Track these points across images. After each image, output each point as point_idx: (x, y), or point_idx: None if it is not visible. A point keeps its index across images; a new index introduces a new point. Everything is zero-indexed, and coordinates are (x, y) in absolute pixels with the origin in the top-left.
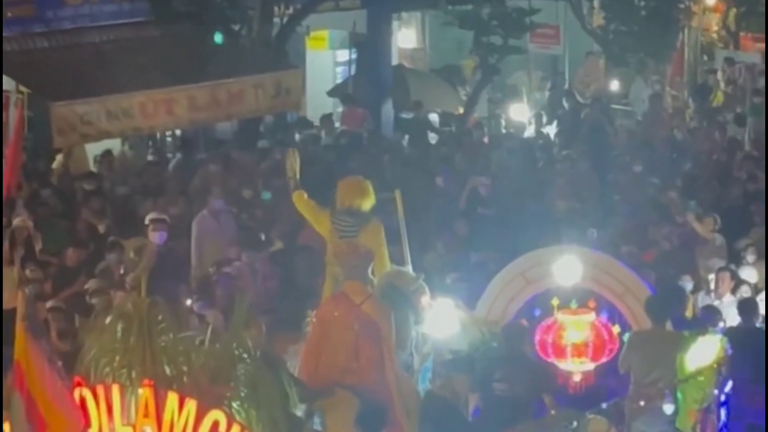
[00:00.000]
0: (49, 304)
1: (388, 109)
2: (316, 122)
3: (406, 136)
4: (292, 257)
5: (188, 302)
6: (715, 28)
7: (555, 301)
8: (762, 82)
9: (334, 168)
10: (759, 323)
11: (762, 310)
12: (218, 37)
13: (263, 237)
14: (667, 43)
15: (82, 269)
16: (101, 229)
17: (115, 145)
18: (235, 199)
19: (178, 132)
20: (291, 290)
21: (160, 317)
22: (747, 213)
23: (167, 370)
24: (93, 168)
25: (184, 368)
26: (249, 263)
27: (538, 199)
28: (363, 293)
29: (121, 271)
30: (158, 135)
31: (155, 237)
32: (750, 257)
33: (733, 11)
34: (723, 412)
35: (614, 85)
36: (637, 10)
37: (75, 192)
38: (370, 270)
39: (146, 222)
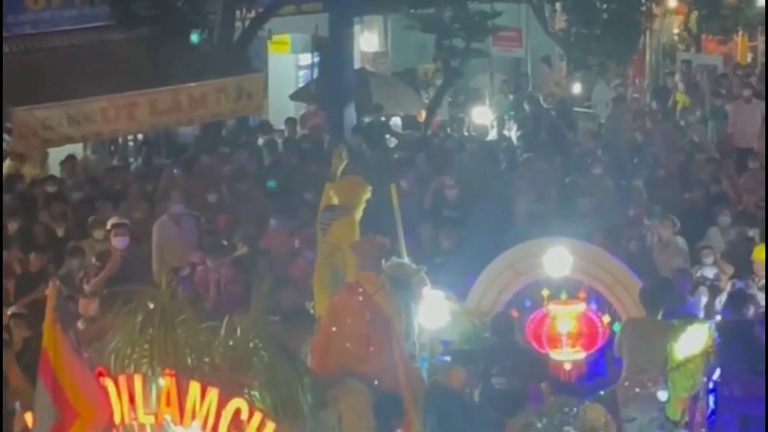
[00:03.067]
0: (10, 310)
1: (350, 112)
2: (278, 126)
3: (367, 140)
4: (255, 261)
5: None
6: (677, 30)
7: (545, 292)
8: (722, 84)
9: (296, 171)
10: (750, 315)
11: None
12: (195, 37)
13: (226, 242)
14: (629, 46)
15: (43, 275)
16: (60, 232)
17: (77, 150)
18: (198, 204)
19: (140, 136)
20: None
21: (180, 309)
22: (709, 215)
23: (189, 361)
24: (56, 172)
25: (206, 359)
26: (212, 268)
27: (501, 201)
28: (376, 284)
29: (82, 275)
30: (120, 140)
31: (117, 242)
32: (707, 259)
33: (695, 14)
34: (711, 400)
35: (576, 88)
36: (599, 14)
37: (35, 196)
38: (383, 262)
39: (108, 227)
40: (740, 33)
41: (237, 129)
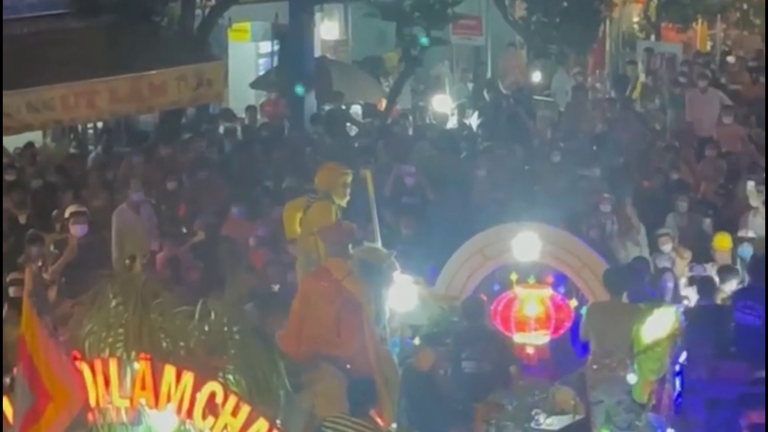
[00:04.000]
0: None
1: (310, 100)
2: (239, 114)
3: (327, 128)
4: (215, 248)
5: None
6: (636, 19)
7: (513, 276)
8: (681, 71)
9: (256, 159)
10: (718, 301)
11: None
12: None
13: (185, 229)
14: (589, 35)
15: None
16: (21, 219)
17: (36, 137)
18: (158, 192)
19: (99, 124)
20: (214, 281)
21: (156, 293)
22: (668, 202)
23: (164, 345)
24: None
25: (181, 343)
26: (171, 255)
27: (461, 189)
28: (344, 269)
29: (40, 263)
30: (80, 127)
31: (76, 230)
32: (665, 246)
33: (654, 2)
34: (678, 382)
35: (536, 76)
36: (559, 2)
37: None
38: (350, 247)
39: (67, 215)
40: (699, 21)
41: (197, 117)
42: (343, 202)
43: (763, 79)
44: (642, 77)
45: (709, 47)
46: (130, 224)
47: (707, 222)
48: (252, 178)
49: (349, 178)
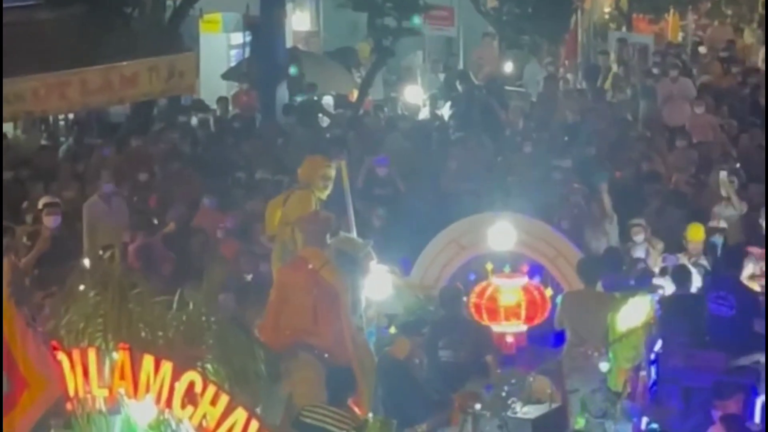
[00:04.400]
0: None
1: (282, 92)
2: (211, 105)
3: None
4: (187, 240)
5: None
6: (608, 9)
7: (489, 266)
8: (653, 62)
9: (228, 151)
10: (693, 289)
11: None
12: None
13: (157, 220)
14: (561, 25)
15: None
16: None
17: (7, 129)
18: (130, 183)
19: (71, 116)
20: (186, 272)
21: (134, 283)
22: (640, 193)
23: (142, 335)
24: None
25: (159, 332)
26: (143, 246)
27: (433, 180)
28: (321, 259)
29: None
30: (51, 119)
31: (49, 221)
32: (637, 236)
33: None
34: (653, 371)
35: (508, 67)
36: None
37: None
38: (328, 237)
39: (40, 206)
40: (671, 12)
41: (169, 108)
42: (324, 195)
43: (734, 70)
44: (614, 68)
45: (680, 38)
46: (101, 216)
47: (679, 212)
48: (224, 169)
49: (332, 171)
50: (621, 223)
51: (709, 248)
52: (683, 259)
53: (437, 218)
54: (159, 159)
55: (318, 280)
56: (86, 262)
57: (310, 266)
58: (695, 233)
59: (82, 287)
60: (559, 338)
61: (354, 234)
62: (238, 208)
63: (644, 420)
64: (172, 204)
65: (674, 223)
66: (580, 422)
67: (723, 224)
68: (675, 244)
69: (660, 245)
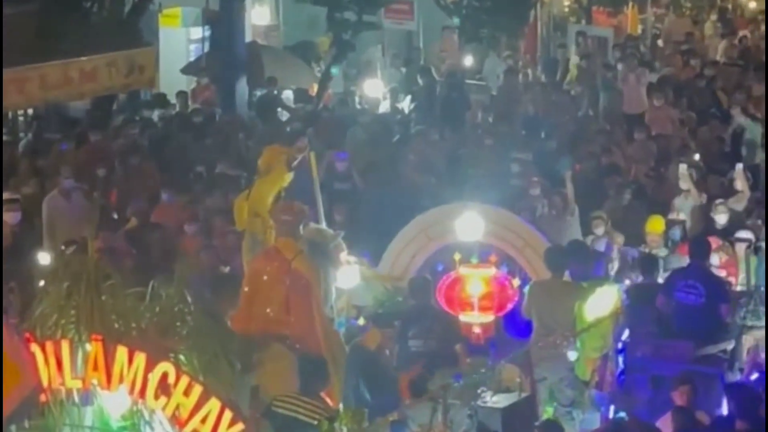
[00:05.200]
0: None
1: (242, 86)
2: (173, 100)
3: (260, 114)
4: (146, 235)
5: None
6: (567, 2)
7: (457, 256)
8: (613, 55)
9: (188, 145)
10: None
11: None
12: None
13: (117, 215)
14: (520, 18)
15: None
16: None
17: None
18: (90, 179)
19: (30, 111)
20: (146, 267)
21: (107, 275)
22: (600, 185)
23: (116, 326)
24: None
25: (132, 324)
26: (105, 241)
27: (394, 173)
28: (294, 249)
29: None
30: (10, 114)
31: (9, 217)
32: (598, 229)
33: None
34: (620, 360)
35: (468, 60)
36: None
37: None
38: (301, 228)
39: None
40: (630, 5)
41: (128, 103)
42: (285, 182)
43: (693, 62)
44: (575, 60)
45: (639, 31)
46: (61, 211)
47: (639, 205)
48: (184, 164)
49: (289, 157)
50: (581, 216)
51: (668, 240)
52: (644, 251)
53: (398, 211)
54: (119, 154)
55: (291, 270)
56: (46, 257)
57: (284, 257)
58: (655, 225)
59: (54, 279)
60: (528, 328)
61: (323, 225)
62: (198, 202)
63: (612, 408)
64: (133, 199)
65: (634, 215)
66: (549, 411)
67: (682, 216)
68: (635, 236)
69: (621, 238)
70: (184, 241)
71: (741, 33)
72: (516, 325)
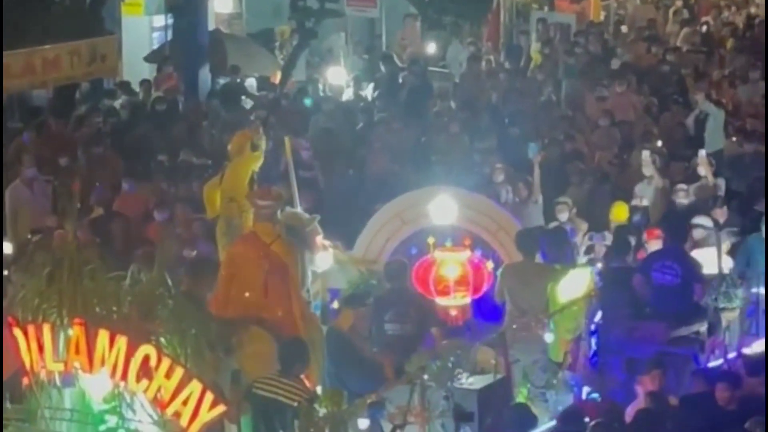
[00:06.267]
0: None
1: (205, 74)
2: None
3: (223, 102)
4: (109, 224)
5: (6, 272)
6: None
7: (431, 240)
8: (576, 42)
9: (152, 133)
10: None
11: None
12: None
13: (80, 204)
14: (483, 5)
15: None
16: None
17: None
18: (53, 167)
19: None
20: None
21: (87, 259)
22: (564, 172)
23: (97, 310)
24: None
25: (114, 307)
26: (69, 230)
27: (358, 161)
28: (272, 234)
29: None
30: None
31: None
32: (562, 215)
33: None
34: (593, 342)
35: (431, 48)
36: None
37: None
38: (279, 212)
39: None
40: None
41: (91, 92)
42: (256, 166)
43: (655, 49)
44: (537, 47)
45: (602, 17)
46: (24, 201)
47: (602, 191)
48: (146, 152)
49: (261, 141)
50: (544, 203)
51: (631, 226)
52: (609, 238)
53: (361, 199)
54: (82, 143)
55: (269, 254)
56: (9, 246)
57: (262, 241)
58: (619, 212)
59: (35, 264)
60: (496, 311)
61: (299, 209)
62: (160, 191)
63: (585, 390)
64: (96, 188)
65: (598, 202)
66: (523, 392)
67: (645, 203)
68: (599, 223)
69: (584, 225)
70: (147, 230)
71: (703, 19)
72: (484, 309)
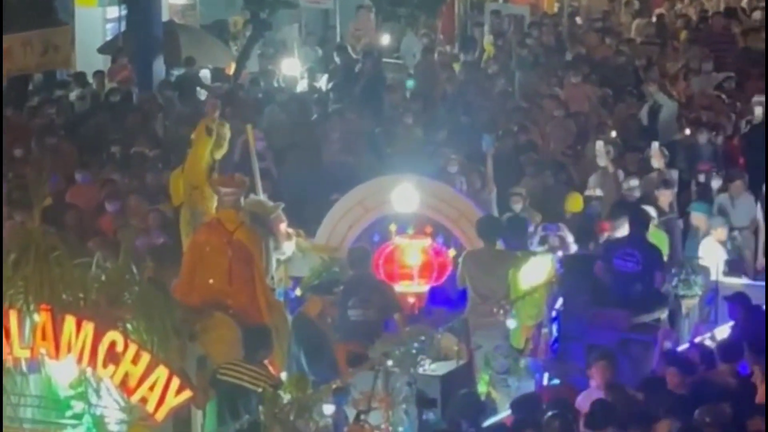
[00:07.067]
0: None
1: (159, 65)
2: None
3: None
4: (62, 214)
5: None
6: None
7: (392, 227)
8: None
9: (106, 125)
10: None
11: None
12: None
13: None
14: None
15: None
16: None
17: None
18: (6, 158)
19: None
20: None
21: (53, 246)
22: (517, 164)
23: (63, 296)
24: None
25: (80, 294)
26: (21, 221)
27: (312, 152)
28: (236, 221)
29: None
30: None
31: None
32: (516, 205)
33: None
34: (554, 328)
35: (385, 39)
36: None
37: None
38: (242, 199)
39: None
40: None
41: (45, 83)
42: (219, 154)
43: (608, 40)
44: (490, 39)
45: (556, 8)
46: None
47: (556, 182)
48: (99, 144)
49: (225, 129)
50: (498, 194)
51: (585, 217)
52: (564, 230)
53: (316, 190)
54: (35, 133)
55: (233, 241)
56: None
57: (226, 228)
58: (574, 203)
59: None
60: (451, 299)
61: (262, 196)
62: (112, 182)
63: (546, 376)
64: (49, 179)
65: (552, 193)
66: (485, 378)
67: (599, 193)
68: (553, 214)
69: (538, 217)
70: (100, 221)
71: (657, 11)
72: (445, 296)
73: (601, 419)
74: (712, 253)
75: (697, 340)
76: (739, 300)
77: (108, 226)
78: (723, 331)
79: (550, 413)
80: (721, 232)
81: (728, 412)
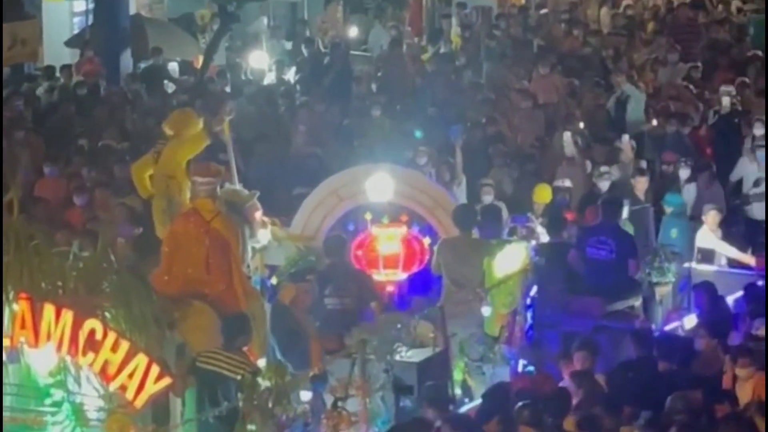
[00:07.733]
0: None
1: (126, 58)
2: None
3: (145, 86)
4: (30, 208)
5: None
6: None
7: (368, 216)
8: (497, 25)
9: (73, 118)
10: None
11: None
12: None
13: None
14: None
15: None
16: None
17: None
18: None
19: None
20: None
21: (31, 235)
22: (486, 155)
23: (42, 285)
24: None
25: (59, 282)
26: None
27: (280, 144)
28: (212, 210)
29: None
30: None
31: None
32: (487, 197)
33: None
34: (529, 315)
35: (353, 31)
36: None
37: None
38: (218, 188)
39: None
40: None
41: (12, 76)
42: (201, 148)
43: (576, 32)
44: (457, 31)
45: (523, 0)
46: None
47: (525, 173)
48: (67, 137)
49: (200, 126)
50: (467, 185)
51: (553, 208)
52: (532, 220)
53: (283, 182)
54: (3, 127)
55: (209, 230)
56: None
57: (202, 217)
58: (542, 194)
59: None
60: (426, 286)
61: (237, 186)
62: (80, 176)
63: (521, 363)
64: (18, 172)
65: (521, 184)
66: (460, 365)
67: (567, 184)
68: (522, 204)
69: (505, 210)
70: (68, 214)
71: (624, 2)
72: (421, 283)
73: (560, 408)
74: (710, 241)
75: (668, 327)
76: (704, 288)
77: (77, 219)
78: (691, 320)
79: (520, 403)
80: (713, 218)
81: (699, 399)
